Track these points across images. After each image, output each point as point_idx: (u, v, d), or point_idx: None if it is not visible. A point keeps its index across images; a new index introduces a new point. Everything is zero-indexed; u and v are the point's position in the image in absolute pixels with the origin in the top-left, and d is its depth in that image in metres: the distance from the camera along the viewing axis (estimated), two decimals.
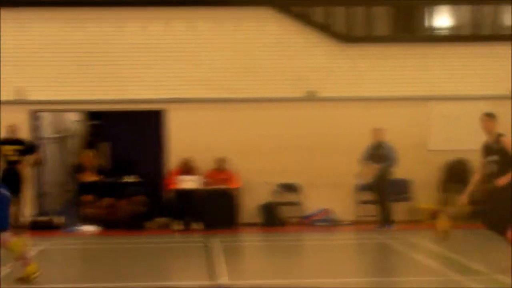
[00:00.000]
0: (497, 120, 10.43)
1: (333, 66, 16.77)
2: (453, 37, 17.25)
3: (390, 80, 16.83)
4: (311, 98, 16.71)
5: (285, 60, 16.67)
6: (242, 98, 16.58)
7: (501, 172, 10.04)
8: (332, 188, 16.37)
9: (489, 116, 10.38)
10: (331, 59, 16.80)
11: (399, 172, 15.58)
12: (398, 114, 16.68)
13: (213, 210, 15.67)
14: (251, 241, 15.16)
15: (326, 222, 16.14)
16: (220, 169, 16.25)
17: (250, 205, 16.21)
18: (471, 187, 10.44)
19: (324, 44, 16.81)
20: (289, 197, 16.47)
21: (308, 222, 16.18)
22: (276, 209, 16.25)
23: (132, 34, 16.55)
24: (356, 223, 16.18)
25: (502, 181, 10.01)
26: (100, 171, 16.63)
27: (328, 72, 16.76)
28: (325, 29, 16.81)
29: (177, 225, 15.70)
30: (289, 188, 16.53)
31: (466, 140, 15.91)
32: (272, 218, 16.10)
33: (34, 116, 16.65)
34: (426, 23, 17.62)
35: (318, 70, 16.74)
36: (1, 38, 16.21)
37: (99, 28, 16.55)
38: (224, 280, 9.88)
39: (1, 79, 16.14)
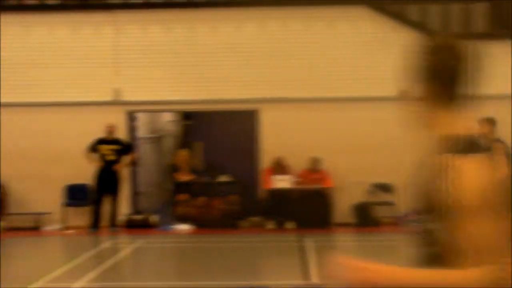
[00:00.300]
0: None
1: None
2: None
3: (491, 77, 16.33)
4: (404, 97, 16.40)
5: (379, 59, 16.45)
6: (335, 97, 16.45)
7: None
8: None
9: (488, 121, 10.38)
10: None
11: None
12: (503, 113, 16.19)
13: (306, 209, 15.61)
14: (344, 241, 15.04)
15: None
16: (313, 169, 16.17)
17: (343, 205, 16.07)
18: None
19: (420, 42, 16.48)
20: (383, 196, 16.26)
21: (402, 223, 15.91)
22: (369, 209, 16.07)
23: (226, 35, 16.64)
24: None
25: None
26: (194, 170, 16.79)
27: None
28: (421, 27, 16.52)
29: (270, 224, 15.70)
30: (383, 187, 16.32)
31: None
32: (365, 218, 15.92)
33: (130, 117, 16.94)
34: None
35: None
36: (100, 41, 16.58)
37: (194, 29, 16.71)
38: (316, 280, 9.81)
39: (100, 81, 16.51)
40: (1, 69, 16.36)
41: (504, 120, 13.09)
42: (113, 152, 15.80)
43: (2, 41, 16.42)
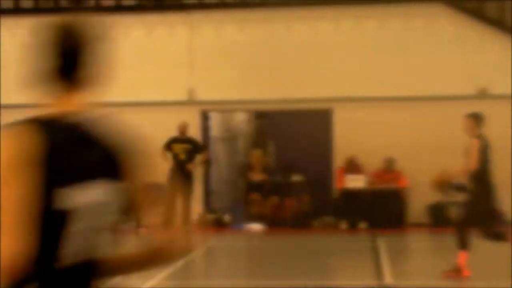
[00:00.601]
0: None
1: (507, 62, 16.05)
2: None
3: None
4: (483, 95, 16.09)
5: (456, 56, 16.14)
6: (410, 96, 16.21)
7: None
8: (503, 188, 15.67)
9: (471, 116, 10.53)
10: (505, 55, 16.09)
11: None
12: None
13: (379, 209, 15.42)
14: (418, 242, 14.82)
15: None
16: (387, 169, 15.98)
17: (417, 205, 15.82)
18: None
19: (498, 39, 16.15)
20: (458, 197, 15.91)
21: None
22: (444, 209, 15.77)
23: (300, 34, 16.58)
24: None
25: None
26: (266, 170, 16.78)
27: (502, 69, 16.06)
28: (499, 24, 16.15)
29: (343, 224, 15.57)
30: (458, 188, 15.96)
31: None
32: (440, 218, 15.64)
33: (204, 116, 17.04)
34: None
35: (491, 67, 16.09)
36: (174, 41, 16.73)
37: (268, 28, 16.70)
38: (389, 280, 9.68)
39: (174, 81, 16.66)
40: None
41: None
42: (185, 151, 15.89)
43: None
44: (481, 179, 10.26)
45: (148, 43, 16.78)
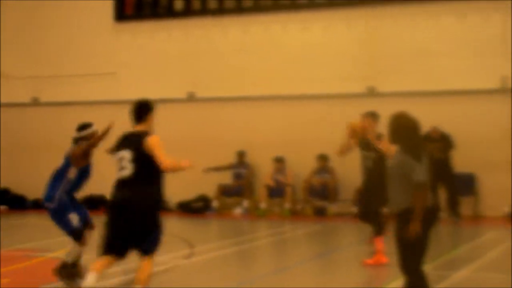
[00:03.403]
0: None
1: None
2: None
3: None
4: None
5: None
6: None
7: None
8: None
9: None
10: None
11: None
12: None
13: None
14: None
15: None
16: None
17: None
18: None
19: None
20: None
21: None
22: None
23: None
24: None
25: None
26: None
27: None
28: None
29: None
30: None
31: None
32: None
33: None
34: None
35: None
36: (488, 28, 16.56)
37: None
38: None
39: (487, 68, 16.56)
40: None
41: None
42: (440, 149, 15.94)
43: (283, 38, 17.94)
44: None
45: (460, 30, 16.90)
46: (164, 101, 18.93)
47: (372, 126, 10.90)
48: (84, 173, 9.14)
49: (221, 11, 18.77)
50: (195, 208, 18.30)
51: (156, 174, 7.47)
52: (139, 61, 19.37)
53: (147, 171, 7.43)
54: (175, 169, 7.42)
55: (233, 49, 18.53)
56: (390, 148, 10.05)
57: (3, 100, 20.46)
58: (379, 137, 10.65)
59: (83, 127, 9.42)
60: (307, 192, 17.79)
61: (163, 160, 7.35)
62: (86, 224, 9.13)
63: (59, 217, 8.99)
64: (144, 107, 7.77)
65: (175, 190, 18.14)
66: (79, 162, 9.01)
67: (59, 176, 9.06)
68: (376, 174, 10.68)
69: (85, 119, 19.12)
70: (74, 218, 8.95)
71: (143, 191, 7.41)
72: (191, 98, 18.92)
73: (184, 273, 10.81)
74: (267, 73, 18.20)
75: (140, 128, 7.67)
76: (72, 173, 9.02)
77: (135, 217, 7.40)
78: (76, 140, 9.24)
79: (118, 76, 19.45)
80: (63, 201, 8.99)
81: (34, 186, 16.53)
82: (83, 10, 19.88)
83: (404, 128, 7.01)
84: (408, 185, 6.84)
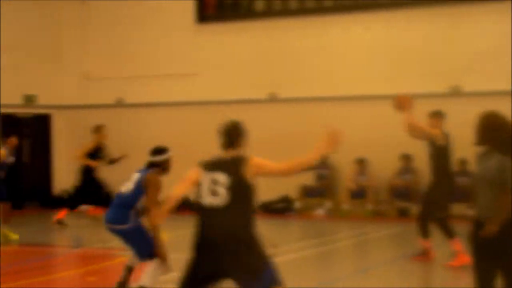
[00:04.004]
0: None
1: None
2: None
3: None
4: None
5: None
6: None
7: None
8: None
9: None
10: None
11: None
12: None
13: None
14: None
15: None
16: None
17: None
18: None
19: None
20: None
21: None
22: None
23: None
24: None
25: None
26: None
27: None
28: None
29: None
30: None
31: None
32: None
33: None
34: None
35: None
36: None
37: None
38: None
39: None
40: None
41: None
42: None
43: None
44: None
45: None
46: (245, 102, 19.08)
47: (437, 125, 10.84)
48: None
49: (301, 11, 18.76)
50: (277, 209, 18.33)
51: (252, 203, 6.51)
52: (220, 62, 19.51)
53: (244, 200, 6.46)
54: (300, 167, 6.71)
55: (313, 50, 18.49)
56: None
57: (89, 102, 20.94)
58: (445, 136, 10.61)
59: (159, 151, 8.76)
60: (390, 193, 17.63)
61: (279, 167, 6.75)
62: None
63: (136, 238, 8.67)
64: (238, 130, 6.77)
65: (258, 190, 18.29)
66: (153, 193, 8.47)
67: (129, 202, 8.61)
68: (439, 172, 10.70)
69: (167, 119, 19.83)
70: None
71: (240, 222, 6.37)
72: (272, 99, 18.96)
73: None
74: (347, 73, 18.09)
75: (232, 153, 6.61)
76: (144, 201, 8.54)
77: (239, 255, 6.32)
78: (150, 165, 8.70)
79: (199, 77, 19.64)
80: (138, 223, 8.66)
81: (119, 185, 16.78)
82: (165, 11, 20.15)
83: (498, 128, 6.40)
84: (502, 190, 6.22)
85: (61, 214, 15.95)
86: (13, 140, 14.34)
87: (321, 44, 18.49)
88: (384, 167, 17.63)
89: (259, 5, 19.41)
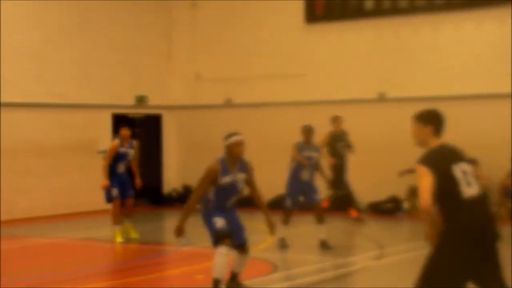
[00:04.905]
0: None
1: None
2: None
3: None
4: None
5: None
6: None
7: None
8: None
9: None
10: None
11: None
12: None
13: None
14: None
15: None
16: None
17: None
18: None
19: None
20: None
21: None
22: None
23: None
24: None
25: None
26: None
27: None
28: None
29: None
30: None
31: None
32: None
33: None
34: None
35: None
36: None
37: None
38: None
39: None
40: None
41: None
42: None
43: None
44: None
45: None
46: (354, 101, 18.95)
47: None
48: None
49: (412, 10, 18.48)
50: (386, 209, 18.13)
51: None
52: (329, 62, 19.44)
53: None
54: None
55: (424, 48, 18.18)
56: None
57: (199, 102, 21.26)
58: None
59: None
60: (501, 194, 17.15)
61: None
62: None
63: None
64: (443, 117, 6.46)
65: (366, 190, 18.18)
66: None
67: None
68: None
69: (275, 120, 19.90)
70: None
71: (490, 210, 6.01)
72: (381, 98, 18.75)
73: (373, 273, 10.74)
74: (459, 71, 17.71)
75: (441, 141, 6.25)
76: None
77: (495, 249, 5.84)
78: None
79: (307, 77, 19.63)
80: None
81: None
82: (274, 12, 20.23)
83: None
84: None
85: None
86: (124, 131, 14.06)
87: (432, 43, 18.16)
88: (496, 168, 17.15)
89: (368, 4, 19.22)
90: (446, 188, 5.83)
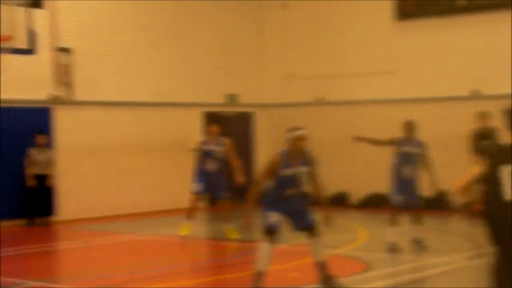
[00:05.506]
0: None
1: None
2: None
3: None
4: None
5: None
6: None
7: None
8: None
9: None
10: None
11: None
12: None
13: None
14: None
15: None
16: None
17: None
18: None
19: None
20: None
21: None
22: None
23: None
24: None
25: None
26: None
27: None
28: None
29: None
30: None
31: None
32: None
33: None
34: None
35: None
36: None
37: None
38: None
39: None
40: None
41: None
42: None
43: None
44: None
45: None
46: (446, 99, 18.66)
47: None
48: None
49: (506, 5, 18.05)
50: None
51: None
52: (420, 60, 19.23)
53: None
54: None
55: None
56: None
57: (290, 100, 21.32)
58: None
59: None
60: None
61: None
62: None
63: None
64: None
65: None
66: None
67: None
68: None
69: (366, 117, 19.78)
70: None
71: None
72: (475, 96, 18.40)
73: (468, 274, 10.57)
74: None
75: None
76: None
77: None
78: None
79: (398, 75, 19.45)
80: None
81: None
82: (364, 9, 20.13)
83: None
84: None
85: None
86: (211, 129, 14.05)
87: None
88: None
89: (456, 0, 18.88)
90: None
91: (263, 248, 8.98)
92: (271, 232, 8.97)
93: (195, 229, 14.12)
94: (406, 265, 11.28)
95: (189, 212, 13.90)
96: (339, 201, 19.30)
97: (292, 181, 9.04)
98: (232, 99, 21.10)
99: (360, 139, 12.72)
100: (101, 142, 18.10)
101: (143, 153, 18.88)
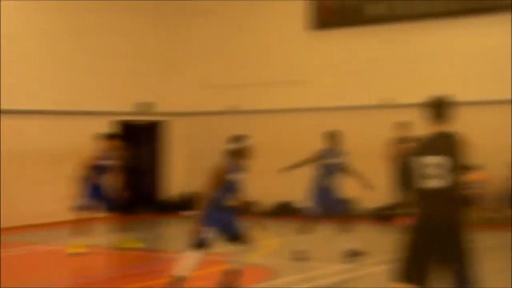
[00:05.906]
0: None
1: None
2: None
3: None
4: None
5: None
6: None
7: None
8: None
9: None
10: None
11: None
12: None
13: None
14: None
15: None
16: None
17: None
18: None
19: None
20: None
21: None
22: None
23: None
24: None
25: None
26: None
27: None
28: None
29: None
30: None
31: None
32: None
33: None
34: None
35: None
36: None
37: None
38: None
39: None
40: None
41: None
42: None
43: None
44: None
45: None
46: (356, 108, 18.81)
47: None
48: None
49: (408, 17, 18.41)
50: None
51: (461, 186, 6.25)
52: (332, 68, 19.43)
53: (459, 182, 6.17)
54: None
55: (435, 54, 18.09)
56: None
57: (205, 108, 21.19)
58: None
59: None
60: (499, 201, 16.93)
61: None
62: None
63: None
64: (446, 104, 6.38)
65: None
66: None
67: None
68: None
69: (280, 126, 19.78)
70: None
71: (459, 208, 6.18)
72: (387, 105, 18.59)
73: (375, 279, 10.61)
74: (467, 77, 17.68)
75: (443, 128, 6.33)
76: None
77: (453, 240, 6.15)
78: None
79: (311, 84, 19.57)
80: None
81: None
82: (280, 19, 20.22)
83: None
84: None
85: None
86: (111, 142, 13.59)
87: (438, 49, 18.08)
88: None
89: (369, 11, 19.14)
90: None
91: (193, 255, 8.92)
92: (202, 246, 8.93)
93: (92, 240, 13.72)
94: (314, 272, 11.28)
95: (74, 227, 13.40)
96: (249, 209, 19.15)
97: (235, 189, 9.06)
98: (144, 107, 20.70)
99: (286, 169, 12.63)
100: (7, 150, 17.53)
101: (51, 162, 18.27)
